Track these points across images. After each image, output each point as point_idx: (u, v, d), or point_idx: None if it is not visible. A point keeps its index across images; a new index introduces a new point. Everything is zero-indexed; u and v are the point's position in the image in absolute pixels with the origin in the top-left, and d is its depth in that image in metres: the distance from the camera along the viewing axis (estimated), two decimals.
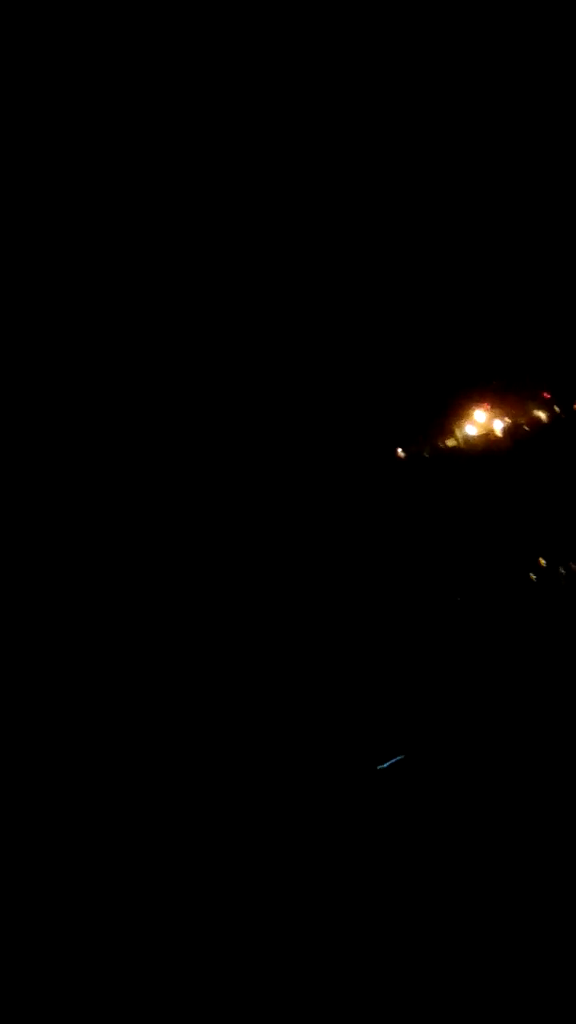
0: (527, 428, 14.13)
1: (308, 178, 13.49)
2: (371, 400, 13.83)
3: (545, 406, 14.13)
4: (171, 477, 13.17)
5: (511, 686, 12.61)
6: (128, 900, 9.83)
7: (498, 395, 14.14)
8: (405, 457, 13.98)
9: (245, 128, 13.14)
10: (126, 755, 11.42)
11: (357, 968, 8.83)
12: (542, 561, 13.48)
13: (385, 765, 11.48)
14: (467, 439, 14.05)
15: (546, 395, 14.13)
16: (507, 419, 14.10)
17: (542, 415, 14.10)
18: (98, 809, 10.89)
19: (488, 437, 14.06)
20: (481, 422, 14.11)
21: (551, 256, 13.94)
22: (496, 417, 14.11)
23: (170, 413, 13.28)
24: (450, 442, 14.03)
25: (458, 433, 14.05)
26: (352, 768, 11.68)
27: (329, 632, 13.09)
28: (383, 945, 9.02)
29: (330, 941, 9.14)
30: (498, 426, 14.09)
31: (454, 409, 14.10)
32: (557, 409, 13.97)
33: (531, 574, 13.52)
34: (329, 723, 12.20)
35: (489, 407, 14.13)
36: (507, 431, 14.09)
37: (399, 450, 13.95)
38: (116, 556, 12.74)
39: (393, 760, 11.50)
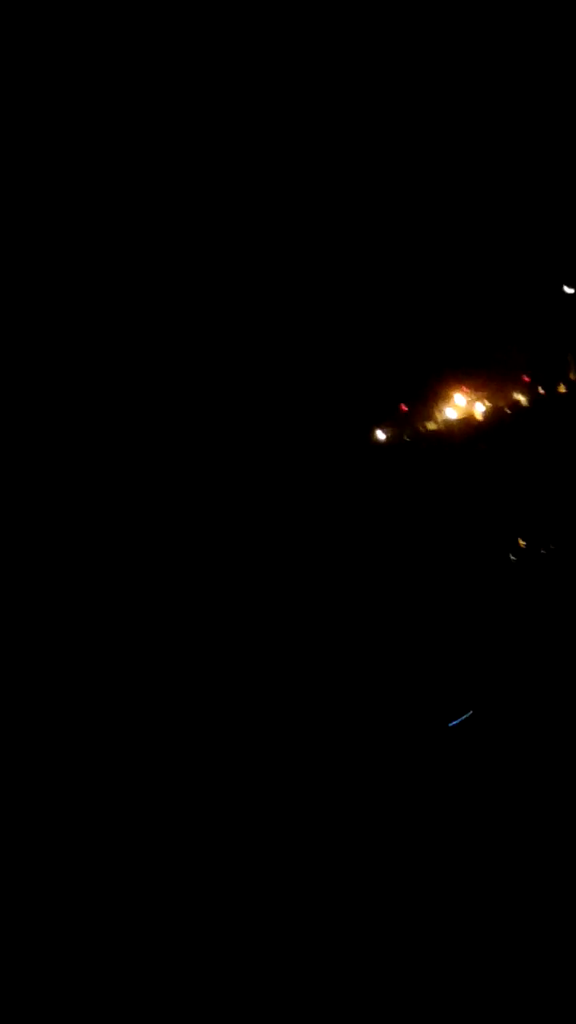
0: (508, 411, 14.32)
1: (291, 160, 13.58)
2: (352, 384, 13.97)
3: (525, 389, 14.32)
4: (160, 459, 13.28)
5: (491, 663, 12.80)
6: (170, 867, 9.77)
7: (478, 379, 14.32)
8: (386, 440, 14.14)
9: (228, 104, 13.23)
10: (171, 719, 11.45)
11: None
12: (521, 542, 13.69)
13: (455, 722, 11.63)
14: (448, 422, 14.23)
15: (526, 378, 14.31)
16: (487, 402, 14.28)
17: (522, 398, 14.28)
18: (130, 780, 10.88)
19: (469, 420, 14.24)
20: (462, 406, 14.29)
21: (529, 241, 14.08)
22: (476, 400, 14.29)
23: (157, 393, 13.38)
24: (431, 425, 14.20)
25: (439, 416, 14.22)
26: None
27: (314, 612, 13.26)
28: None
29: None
30: (479, 409, 14.28)
31: (435, 393, 14.26)
32: (541, 391, 14.14)
33: (510, 555, 13.73)
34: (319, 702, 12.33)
35: (469, 391, 14.31)
36: (487, 414, 14.27)
37: (380, 433, 14.11)
38: (107, 518, 12.83)
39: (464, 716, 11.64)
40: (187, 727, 11.71)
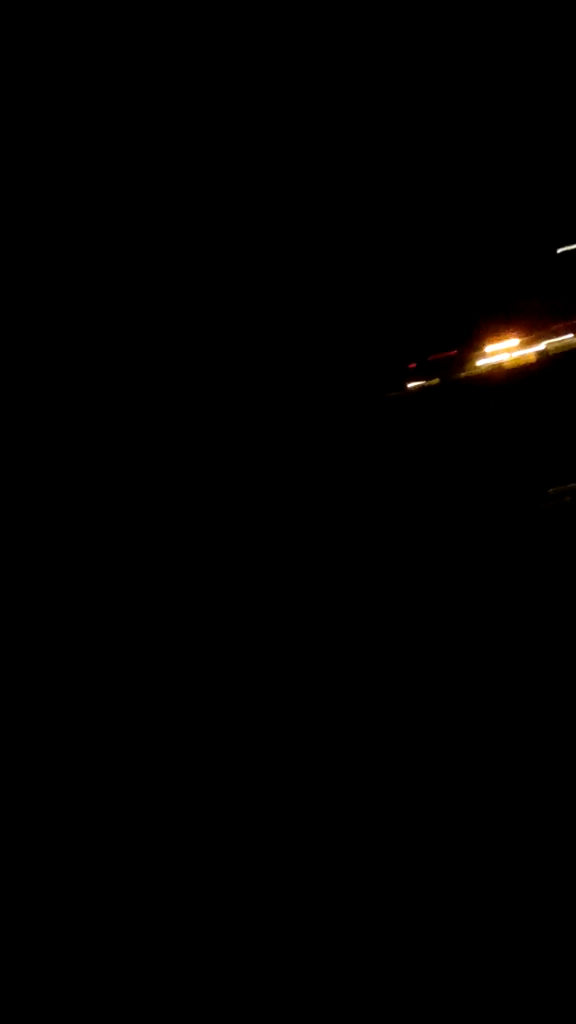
0: (549, 355, 14.06)
1: (316, 105, 13.53)
2: (386, 331, 13.96)
3: (566, 334, 14.02)
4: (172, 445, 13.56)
5: (523, 618, 12.80)
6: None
7: (517, 324, 14.10)
8: (418, 389, 14.11)
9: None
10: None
11: None
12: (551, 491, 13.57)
13: None
14: (483, 371, 14.09)
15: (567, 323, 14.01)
16: (526, 347, 14.05)
17: (564, 344, 14.00)
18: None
19: (502, 367, 14.07)
20: (499, 352, 14.10)
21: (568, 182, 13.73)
22: (514, 347, 14.08)
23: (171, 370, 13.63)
24: (464, 374, 14.08)
25: (474, 364, 14.08)
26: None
27: (346, 563, 13.46)
28: None
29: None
30: (514, 356, 14.07)
31: (471, 340, 14.12)
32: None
33: (542, 505, 13.62)
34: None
35: (507, 336, 14.11)
36: (525, 361, 14.05)
37: (412, 383, 14.08)
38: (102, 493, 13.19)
39: None
40: (190, 678, 12.10)
